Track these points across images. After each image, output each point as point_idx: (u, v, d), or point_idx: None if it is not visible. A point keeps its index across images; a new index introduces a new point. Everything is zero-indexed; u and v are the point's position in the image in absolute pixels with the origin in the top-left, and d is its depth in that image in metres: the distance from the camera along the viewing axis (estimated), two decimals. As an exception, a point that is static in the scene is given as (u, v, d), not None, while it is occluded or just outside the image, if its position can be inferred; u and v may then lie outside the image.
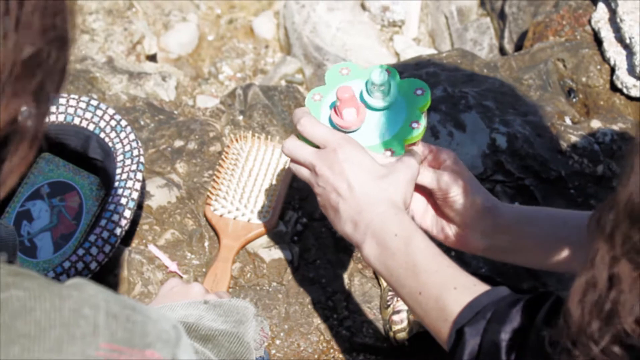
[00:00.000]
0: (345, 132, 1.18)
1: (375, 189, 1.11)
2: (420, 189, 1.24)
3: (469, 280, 1.03)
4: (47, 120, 0.72)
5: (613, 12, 1.87)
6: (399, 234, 1.08)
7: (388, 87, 1.19)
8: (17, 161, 0.69)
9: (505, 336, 0.96)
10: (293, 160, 1.18)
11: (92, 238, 1.42)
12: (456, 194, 1.21)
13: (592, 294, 0.79)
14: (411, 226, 1.09)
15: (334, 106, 1.19)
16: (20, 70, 0.67)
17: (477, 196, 1.21)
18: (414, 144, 1.21)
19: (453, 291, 1.02)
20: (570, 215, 1.24)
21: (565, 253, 1.22)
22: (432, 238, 1.15)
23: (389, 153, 1.18)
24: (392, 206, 1.10)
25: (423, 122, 1.19)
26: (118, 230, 1.43)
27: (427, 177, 1.21)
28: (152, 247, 1.53)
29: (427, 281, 1.04)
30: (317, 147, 1.16)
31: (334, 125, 1.19)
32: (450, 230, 1.24)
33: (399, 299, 1.41)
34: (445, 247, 1.54)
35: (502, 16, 2.35)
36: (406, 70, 1.85)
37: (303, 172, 1.17)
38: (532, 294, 0.98)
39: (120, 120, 1.53)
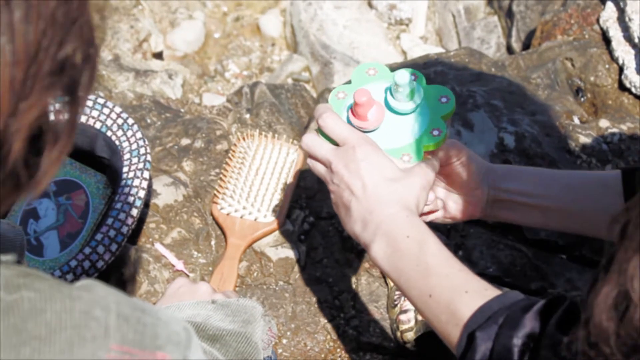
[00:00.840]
0: (363, 132, 1.18)
1: (388, 191, 1.11)
2: None
3: (481, 285, 1.03)
4: (79, 115, 0.72)
5: (622, 11, 1.87)
6: (411, 235, 1.08)
7: (412, 90, 1.18)
8: (56, 154, 0.69)
9: (517, 341, 0.95)
10: (310, 156, 1.18)
11: (98, 237, 1.42)
12: (459, 161, 1.25)
13: (622, 304, 0.78)
14: (424, 229, 1.09)
15: (351, 106, 1.19)
16: (53, 64, 0.67)
17: (475, 160, 1.26)
18: (433, 151, 1.20)
19: (464, 295, 1.01)
20: (558, 175, 1.30)
21: (558, 212, 1.25)
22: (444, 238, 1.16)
23: (407, 158, 1.17)
24: (405, 208, 1.10)
25: (445, 129, 1.18)
26: (125, 229, 1.42)
27: (445, 150, 1.24)
28: (158, 246, 1.53)
29: (438, 284, 1.04)
30: (337, 144, 1.16)
31: (351, 124, 1.19)
32: (457, 203, 1.28)
33: (406, 298, 1.41)
34: (452, 248, 1.54)
35: (509, 15, 2.34)
36: (414, 69, 1.85)
37: (319, 168, 1.17)
38: (545, 299, 0.98)
39: (127, 118, 1.53)
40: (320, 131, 1.17)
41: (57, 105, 0.69)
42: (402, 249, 1.07)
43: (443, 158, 1.24)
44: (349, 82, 1.24)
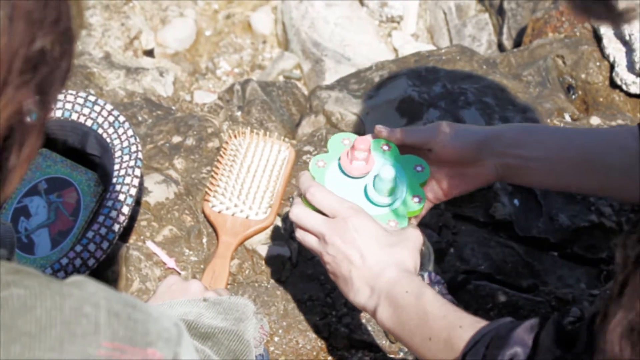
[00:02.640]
0: (351, 178, 1.26)
1: (386, 256, 1.15)
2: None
3: (474, 319, 1.07)
4: (51, 113, 0.71)
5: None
6: (409, 290, 1.12)
7: (395, 184, 1.24)
8: (26, 153, 0.69)
9: (502, 358, 0.98)
10: (301, 227, 1.21)
11: (89, 234, 1.42)
12: (439, 145, 1.28)
13: (636, 333, 0.79)
14: (421, 283, 1.14)
15: (347, 152, 1.27)
16: (26, 62, 0.66)
17: (462, 139, 1.28)
18: (415, 216, 1.28)
19: (459, 330, 1.05)
20: (572, 136, 1.31)
21: (573, 175, 1.27)
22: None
23: (393, 224, 1.23)
24: (404, 270, 1.15)
25: (424, 197, 1.26)
26: (116, 227, 1.42)
27: (418, 136, 1.29)
28: (150, 244, 1.53)
29: (436, 326, 1.08)
30: (323, 213, 1.20)
31: (341, 169, 1.27)
32: (457, 177, 1.30)
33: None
34: (444, 245, 1.54)
35: (500, 12, 2.34)
36: (405, 66, 1.85)
37: (310, 240, 1.21)
38: (531, 319, 1.01)
39: (118, 116, 1.53)
40: (305, 200, 1.22)
41: (29, 104, 0.68)
42: (403, 304, 1.12)
43: (421, 142, 1.29)
44: (327, 151, 1.31)
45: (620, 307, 0.79)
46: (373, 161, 1.27)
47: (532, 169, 1.28)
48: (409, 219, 1.25)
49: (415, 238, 1.19)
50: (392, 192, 1.25)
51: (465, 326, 1.05)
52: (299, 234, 1.22)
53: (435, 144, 1.28)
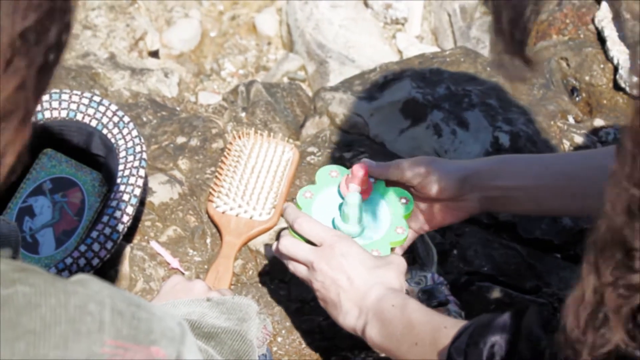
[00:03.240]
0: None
1: (372, 277, 1.19)
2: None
3: (458, 320, 1.10)
4: (41, 96, 0.71)
5: (617, 11, 1.87)
6: (395, 304, 1.16)
7: (360, 212, 1.28)
8: (10, 136, 0.68)
9: (484, 345, 1.01)
10: (290, 258, 1.25)
11: (94, 234, 1.42)
12: (426, 180, 1.31)
13: (584, 309, 0.81)
14: (405, 296, 1.18)
15: (345, 179, 1.31)
16: (19, 43, 0.66)
17: (445, 175, 1.31)
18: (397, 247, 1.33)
19: (444, 330, 1.08)
20: (550, 162, 1.34)
21: (553, 199, 1.31)
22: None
23: (376, 253, 1.27)
24: (389, 289, 1.18)
25: (407, 228, 1.31)
26: (120, 227, 1.42)
27: (399, 174, 1.31)
28: (153, 244, 1.53)
29: (422, 331, 1.11)
30: (311, 242, 1.24)
31: (341, 196, 1.31)
32: (442, 210, 1.33)
33: None
34: (447, 247, 1.54)
35: (505, 14, 2.34)
36: (409, 68, 1.85)
37: (300, 269, 1.25)
38: (514, 309, 1.03)
39: (123, 116, 1.53)
40: (293, 232, 1.26)
41: (20, 89, 0.68)
42: (389, 317, 1.15)
43: (403, 180, 1.32)
44: (314, 182, 1.35)
45: (575, 288, 0.82)
46: (371, 188, 1.32)
47: (512, 198, 1.32)
48: (392, 249, 1.29)
49: (399, 262, 1.22)
50: (359, 221, 1.28)
51: (449, 326, 1.08)
52: (291, 266, 1.26)
53: (416, 183, 1.32)
